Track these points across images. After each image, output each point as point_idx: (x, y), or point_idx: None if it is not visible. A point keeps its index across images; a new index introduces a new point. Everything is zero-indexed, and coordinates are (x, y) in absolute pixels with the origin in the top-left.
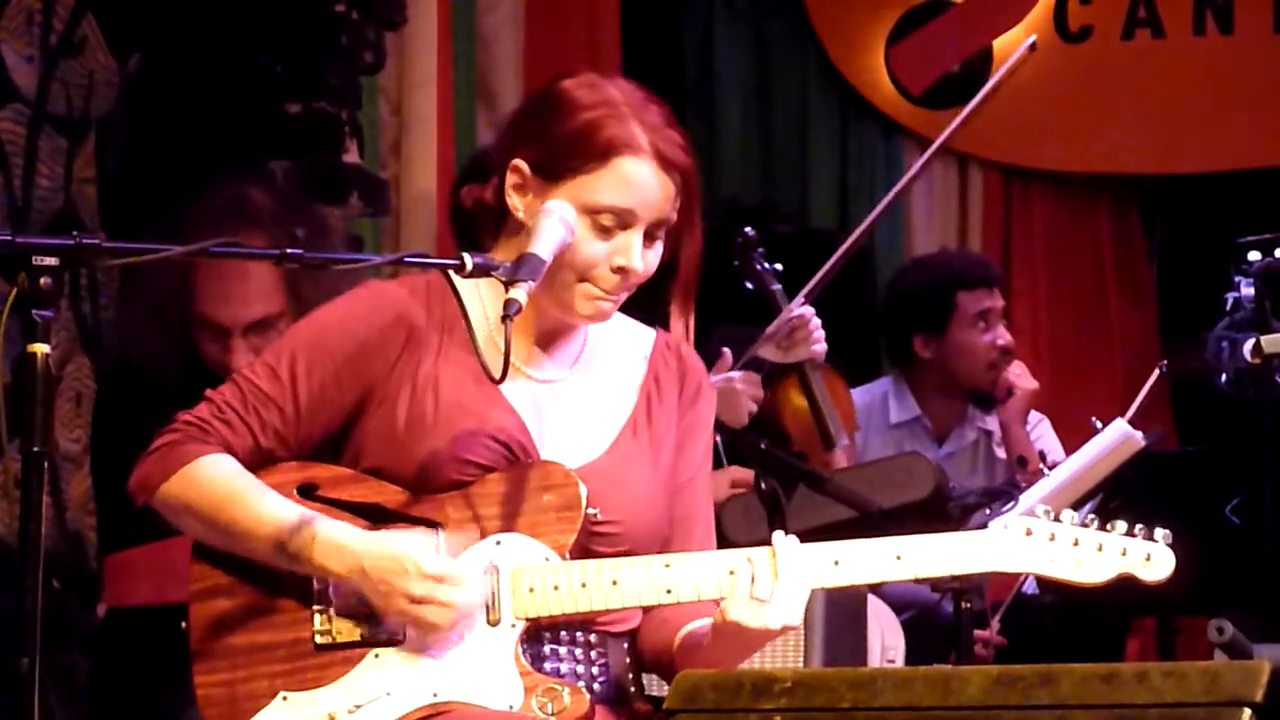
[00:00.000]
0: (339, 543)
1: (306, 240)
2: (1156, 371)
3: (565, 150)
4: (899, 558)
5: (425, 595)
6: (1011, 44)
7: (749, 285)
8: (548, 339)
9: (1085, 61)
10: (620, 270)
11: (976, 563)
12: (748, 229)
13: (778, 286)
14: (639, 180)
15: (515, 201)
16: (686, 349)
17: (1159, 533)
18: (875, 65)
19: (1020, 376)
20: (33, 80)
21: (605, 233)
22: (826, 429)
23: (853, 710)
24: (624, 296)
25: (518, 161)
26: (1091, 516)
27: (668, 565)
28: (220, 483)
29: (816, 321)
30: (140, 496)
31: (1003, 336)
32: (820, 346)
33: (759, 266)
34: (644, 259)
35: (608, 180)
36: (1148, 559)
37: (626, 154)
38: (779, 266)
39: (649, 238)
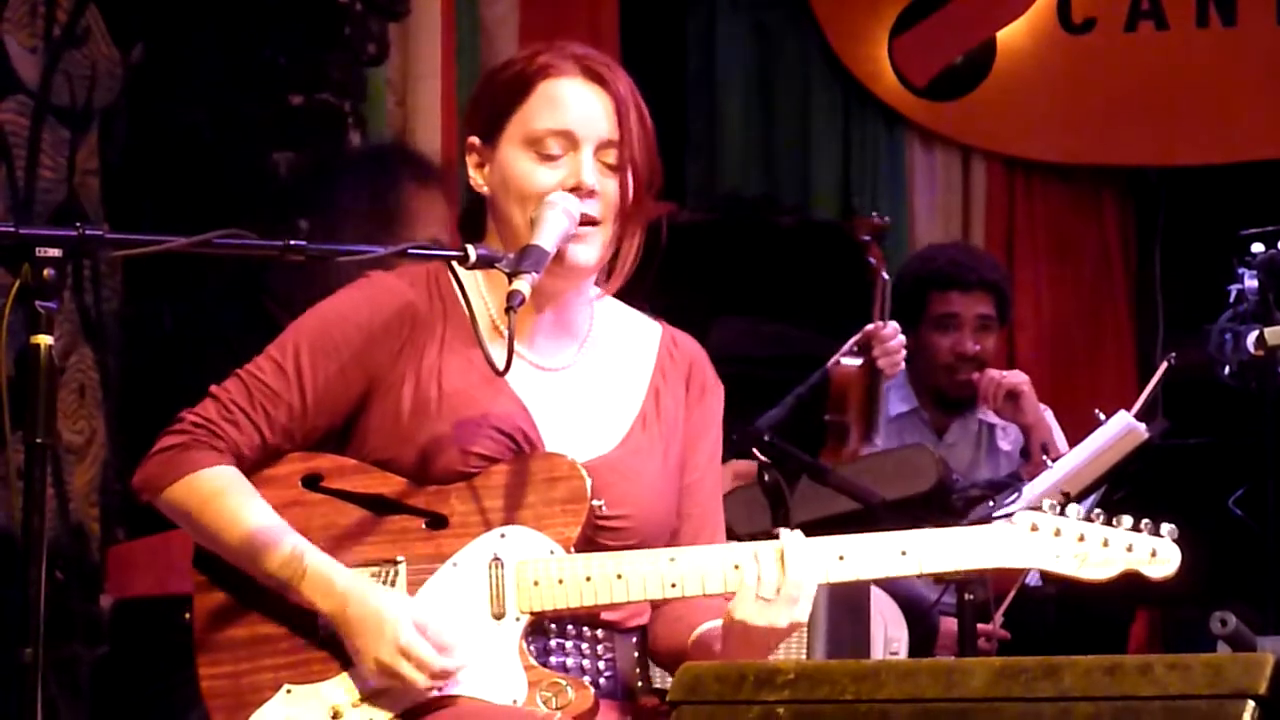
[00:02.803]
0: (327, 582)
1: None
2: (1164, 364)
3: (498, 100)
4: (904, 553)
5: (389, 665)
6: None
7: (871, 261)
8: (551, 326)
9: (1088, 53)
10: (576, 190)
11: (982, 558)
12: (883, 217)
13: (887, 278)
14: (568, 97)
15: (477, 179)
16: (693, 344)
17: (1165, 528)
18: (878, 56)
19: (1006, 378)
20: (36, 72)
21: (552, 160)
22: (874, 420)
23: (856, 702)
24: (598, 235)
25: (470, 139)
26: (1098, 511)
27: (673, 559)
28: (220, 497)
29: (902, 341)
30: (144, 495)
31: (963, 343)
32: (897, 368)
33: (878, 250)
34: (602, 183)
35: (537, 106)
36: (1153, 555)
37: (550, 75)
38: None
39: (605, 165)
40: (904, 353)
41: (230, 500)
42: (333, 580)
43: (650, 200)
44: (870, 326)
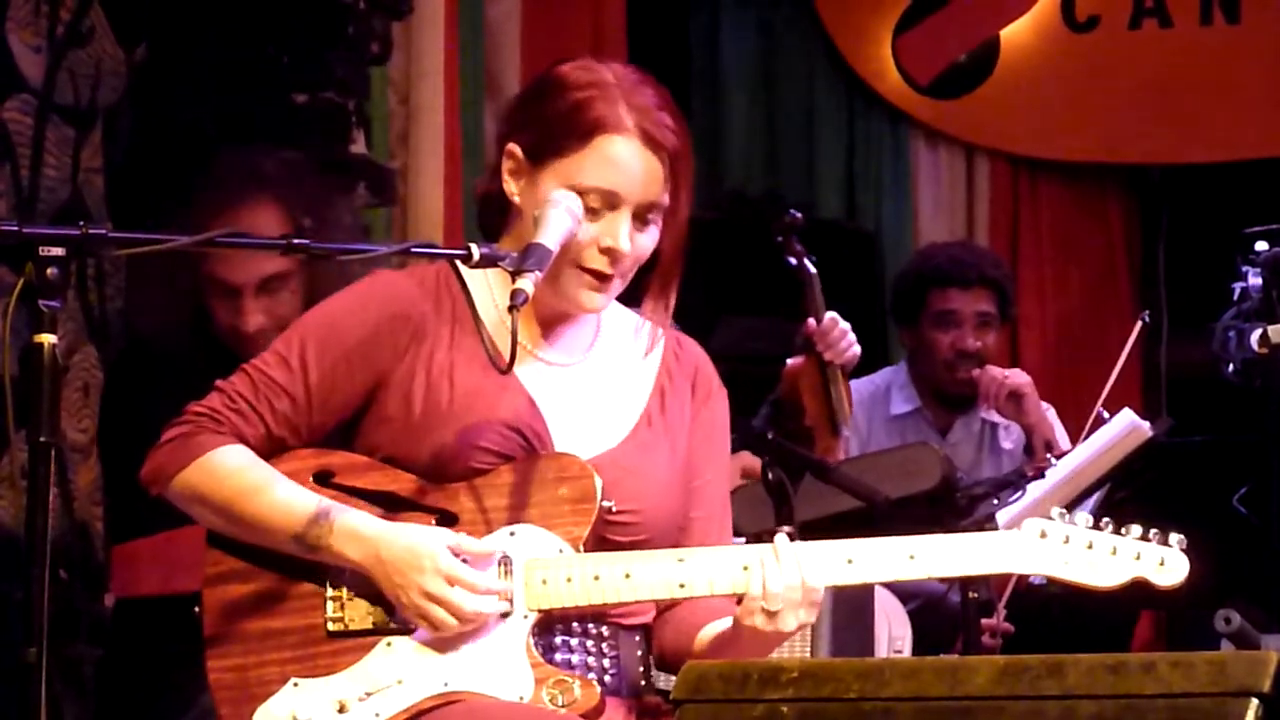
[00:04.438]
0: (357, 531)
1: (315, 218)
2: (1139, 324)
3: (552, 131)
4: (913, 557)
5: (438, 594)
6: (1018, 34)
7: (791, 262)
8: (559, 326)
9: (1092, 51)
10: (608, 251)
11: (990, 564)
12: (793, 211)
13: (814, 271)
14: (622, 160)
15: (510, 186)
16: (698, 349)
17: (1173, 538)
18: (882, 55)
19: (1009, 379)
20: (40, 70)
21: (593, 214)
22: (836, 416)
23: (860, 700)
24: (618, 284)
25: (511, 146)
26: (1106, 521)
27: (681, 560)
28: (235, 474)
29: (845, 328)
30: (154, 487)
31: (963, 340)
32: (852, 353)
33: (798, 247)
34: (634, 241)
35: (591, 160)
36: (1161, 564)
37: (610, 133)
38: (814, 256)
39: (641, 220)
40: (851, 338)
41: (246, 474)
42: (361, 529)
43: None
44: (808, 325)
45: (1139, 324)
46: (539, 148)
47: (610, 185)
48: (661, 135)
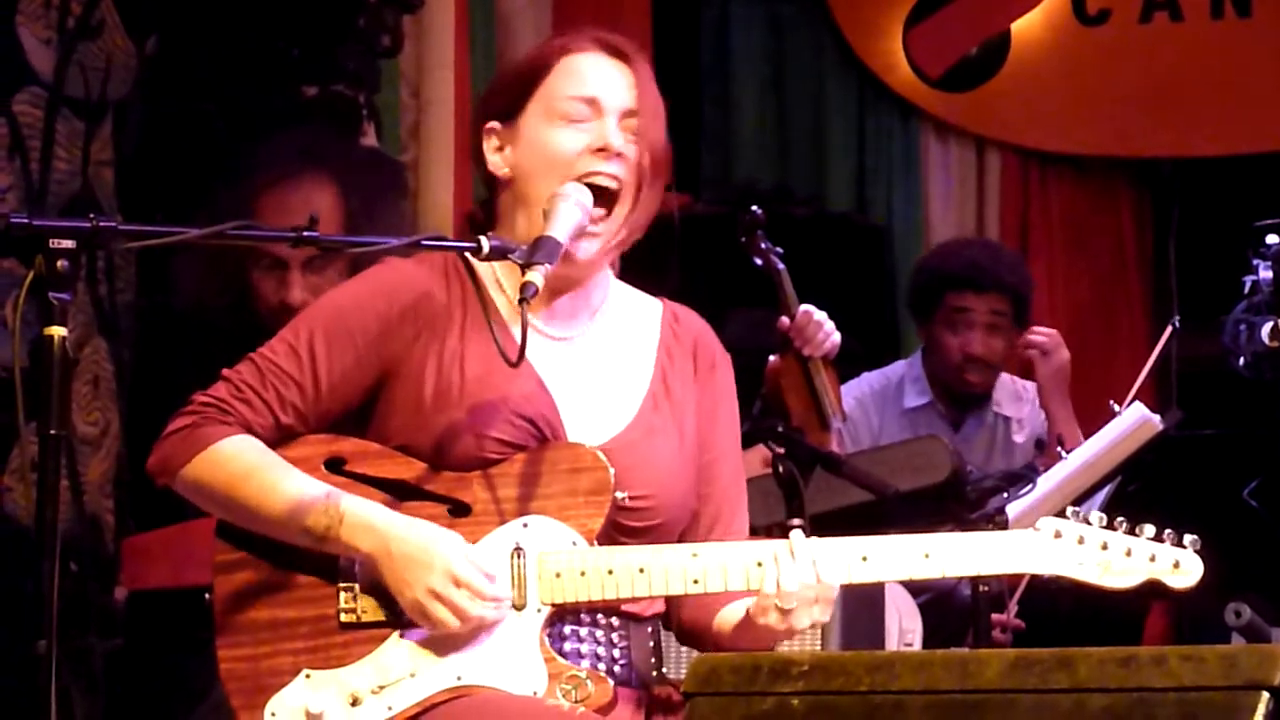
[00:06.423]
0: (369, 522)
1: (365, 202)
2: (1169, 329)
3: (517, 83)
4: (927, 555)
5: (442, 593)
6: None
7: (757, 262)
8: (561, 297)
9: (1103, 45)
10: (601, 150)
11: (1005, 563)
12: (755, 208)
13: (782, 267)
14: (590, 68)
15: (496, 161)
16: (696, 318)
17: (1188, 539)
18: (893, 48)
19: (1044, 349)
20: (50, 63)
21: (578, 124)
22: (823, 410)
23: (870, 693)
24: (602, 227)
25: (488, 124)
26: (1120, 520)
27: (695, 555)
28: (242, 465)
29: (820, 319)
30: (161, 479)
31: (971, 344)
32: (831, 343)
33: (763, 245)
34: (625, 149)
35: (558, 79)
36: (1176, 565)
37: (571, 52)
38: (780, 250)
39: (629, 133)
40: (828, 328)
41: (253, 465)
42: (372, 521)
43: (663, 183)
44: (781, 323)
45: (1169, 328)
46: (511, 104)
47: (588, 91)
48: (621, 45)
